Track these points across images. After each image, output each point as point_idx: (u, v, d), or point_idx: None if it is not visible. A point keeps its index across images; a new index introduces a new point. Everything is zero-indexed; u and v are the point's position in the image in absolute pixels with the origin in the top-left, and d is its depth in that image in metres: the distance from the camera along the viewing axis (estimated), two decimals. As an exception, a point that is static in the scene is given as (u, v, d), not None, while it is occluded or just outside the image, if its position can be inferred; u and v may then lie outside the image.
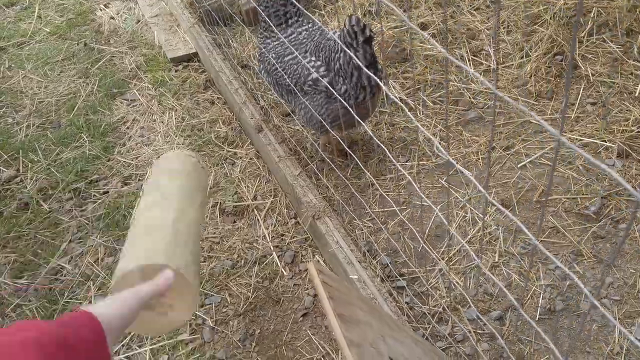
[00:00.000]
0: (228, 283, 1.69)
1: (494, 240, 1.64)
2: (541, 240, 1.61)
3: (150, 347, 1.55)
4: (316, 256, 1.73)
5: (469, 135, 1.99)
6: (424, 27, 2.47)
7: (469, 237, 1.66)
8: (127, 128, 2.44)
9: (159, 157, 1.22)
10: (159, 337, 1.57)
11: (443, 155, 1.90)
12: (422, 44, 2.37)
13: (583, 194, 1.71)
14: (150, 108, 2.51)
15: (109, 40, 3.05)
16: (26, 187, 2.18)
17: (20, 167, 2.28)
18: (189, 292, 0.91)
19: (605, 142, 1.84)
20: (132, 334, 1.60)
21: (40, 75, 2.81)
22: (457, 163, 1.86)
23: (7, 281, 1.84)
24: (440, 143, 1.98)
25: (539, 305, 1.47)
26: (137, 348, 1.57)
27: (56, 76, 2.80)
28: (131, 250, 0.96)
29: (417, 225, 1.74)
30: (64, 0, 3.47)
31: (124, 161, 2.25)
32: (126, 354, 1.56)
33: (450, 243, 1.67)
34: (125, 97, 2.61)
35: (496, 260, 1.59)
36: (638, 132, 1.84)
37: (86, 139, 2.37)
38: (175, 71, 2.73)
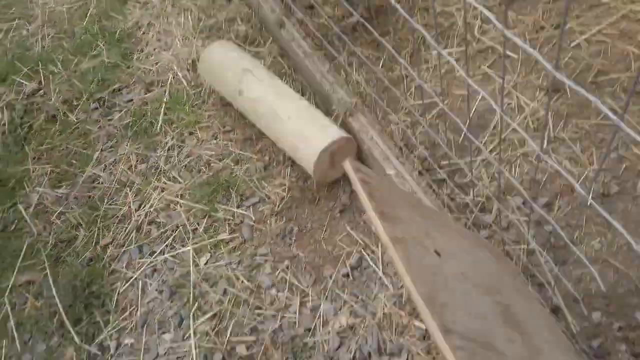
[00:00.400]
0: (262, 184, 1.67)
1: (544, 127, 1.54)
2: (595, 124, 1.51)
3: (193, 246, 1.58)
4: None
5: (514, 15, 1.81)
6: None
7: (516, 122, 1.56)
8: (143, 33, 2.32)
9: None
10: (200, 237, 1.59)
11: (500, 29, 1.75)
12: None
13: (641, 71, 1.56)
14: (164, 10, 2.37)
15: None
16: (51, 100, 2.15)
17: (42, 80, 2.23)
18: None
19: (670, 12, 1.65)
20: (174, 235, 1.63)
21: (48, -17, 2.66)
22: (500, 47, 1.70)
23: (48, 190, 1.86)
24: (480, 26, 1.81)
25: (592, 189, 1.40)
26: (181, 247, 1.60)
27: (65, -18, 2.65)
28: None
29: (457, 117, 1.65)
30: None
31: (144, 68, 2.16)
32: (170, 253, 1.59)
33: (494, 132, 1.58)
34: (137, 0, 2.46)
35: (545, 146, 1.50)
36: None
37: (103, 47, 2.28)
38: (188, -35, 2.54)
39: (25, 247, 1.74)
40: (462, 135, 1.59)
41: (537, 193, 1.43)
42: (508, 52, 1.71)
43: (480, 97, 1.66)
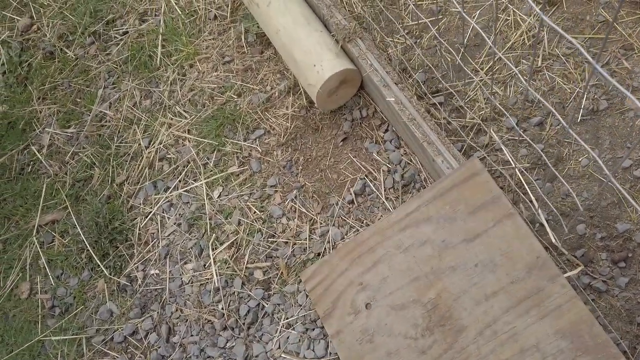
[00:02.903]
0: (266, 115, 1.72)
1: (538, 44, 1.55)
2: (589, 37, 1.51)
3: (205, 181, 1.68)
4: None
5: None
6: None
7: (510, 42, 1.56)
8: (129, -44, 2.22)
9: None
10: (211, 171, 1.68)
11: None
12: None
13: (643, -21, 1.52)
14: None
15: None
16: (46, 36, 2.12)
17: (34, 14, 2.19)
18: None
19: None
20: (186, 170, 1.72)
21: None
22: (499, -43, 1.65)
23: (58, 131, 1.93)
24: None
25: (582, 106, 1.45)
26: (194, 182, 1.69)
27: None
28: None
29: (454, 36, 1.64)
30: None
31: (135, -4, 2.11)
32: (184, 188, 1.69)
33: (491, 51, 1.59)
34: None
35: (539, 64, 1.52)
36: None
37: (90, -26, 2.20)
38: None
39: (44, 188, 1.84)
40: (460, 54, 1.60)
41: (530, 113, 1.48)
42: (507, -37, 1.66)
43: (477, 14, 1.64)
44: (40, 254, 1.73)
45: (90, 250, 1.66)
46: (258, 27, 1.79)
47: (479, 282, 1.21)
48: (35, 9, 2.20)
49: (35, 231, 1.77)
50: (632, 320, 1.32)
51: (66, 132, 1.92)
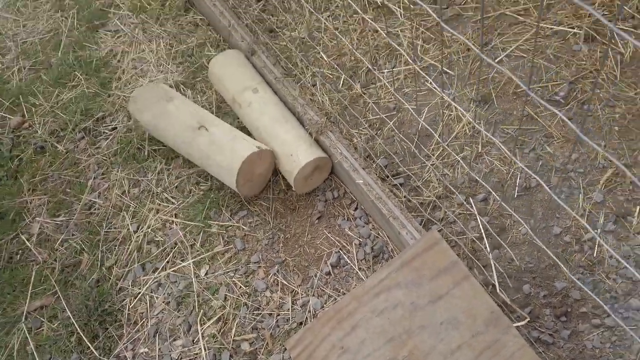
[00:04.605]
0: (249, 198, 1.92)
1: (477, 133, 1.86)
2: (518, 128, 1.83)
3: (193, 260, 1.82)
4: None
5: (449, 34, 2.11)
6: None
7: (455, 133, 1.87)
8: (118, 61, 2.49)
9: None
10: (198, 251, 1.83)
11: (425, 59, 2.05)
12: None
13: (553, 81, 1.89)
14: (136, 37, 2.54)
15: (73, -33, 2.94)
16: (37, 132, 2.30)
17: (25, 113, 2.38)
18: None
19: (574, 28, 1.98)
20: (173, 251, 1.86)
21: (14, 13, 2.77)
22: (440, 64, 2.00)
23: (47, 220, 2.05)
24: (422, 46, 2.10)
25: (517, 184, 1.73)
26: (181, 262, 1.83)
27: (31, 12, 2.76)
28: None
29: (409, 128, 1.94)
30: None
31: (124, 96, 2.34)
32: (172, 268, 1.83)
33: (440, 140, 1.89)
34: (108, 29, 2.61)
35: (480, 150, 1.82)
36: (603, 14, 1.98)
37: (81, 77, 2.44)
38: (152, -6, 2.70)
39: (33, 274, 1.93)
40: (414, 143, 1.89)
41: (475, 190, 1.75)
42: (446, 70, 2.01)
43: (426, 110, 1.96)
44: (29, 339, 1.78)
45: (80, 333, 1.73)
46: (239, 122, 2.04)
47: (445, 338, 1.39)
48: (27, 108, 2.39)
49: (23, 317, 1.83)
50: (578, 368, 1.52)
51: (55, 221, 2.05)
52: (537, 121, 1.84)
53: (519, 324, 1.35)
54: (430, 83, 1.99)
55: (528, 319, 1.44)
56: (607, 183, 1.68)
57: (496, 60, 1.99)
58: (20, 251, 2.00)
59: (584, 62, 1.91)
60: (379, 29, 2.08)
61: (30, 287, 1.88)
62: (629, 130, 1.76)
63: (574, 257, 1.62)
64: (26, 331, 1.80)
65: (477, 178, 1.72)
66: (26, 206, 2.11)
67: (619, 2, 1.99)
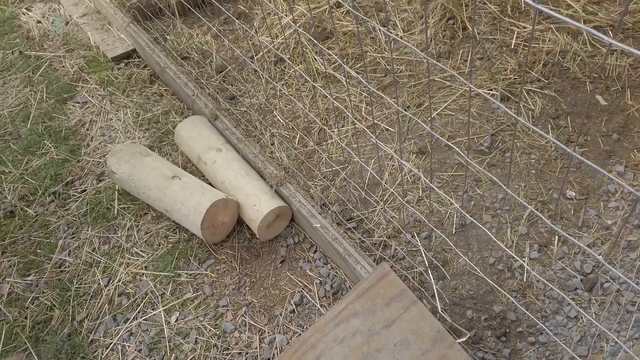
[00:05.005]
0: (215, 248, 2.07)
1: (417, 180, 2.12)
2: (451, 174, 2.11)
3: (163, 308, 1.92)
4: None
5: (389, 97, 2.44)
6: (339, 5, 2.83)
7: (398, 180, 2.13)
8: (87, 130, 2.66)
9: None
10: (168, 299, 1.94)
11: (369, 119, 2.34)
12: (339, 21, 2.75)
13: (478, 134, 2.21)
14: (104, 108, 2.73)
15: (42, 46, 3.16)
16: (6, 197, 2.39)
17: (-6, 180, 2.47)
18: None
19: (491, 90, 2.35)
20: (144, 301, 1.96)
21: (-17, 89, 2.91)
22: (381, 123, 2.29)
23: (18, 280, 2.11)
24: (366, 107, 2.41)
25: (454, 223, 1.98)
26: (152, 311, 1.93)
27: (0, 87, 2.92)
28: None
29: (358, 178, 2.19)
30: (-18, 7, 3.46)
31: (92, 160, 2.50)
32: (143, 317, 1.92)
33: (386, 187, 2.14)
34: (76, 101, 2.80)
35: (420, 194, 2.08)
36: (514, 79, 2.36)
37: (50, 145, 2.58)
38: (118, 69, 2.94)
39: (3, 333, 1.96)
40: (364, 191, 2.13)
41: (419, 230, 1.99)
42: (387, 127, 2.31)
43: (372, 162, 2.22)
44: (-1, 396, 1.79)
45: (53, 386, 1.77)
46: (205, 179, 2.23)
47: (399, 358, 1.55)
48: (-4, 175, 2.49)
49: (-8, 376, 1.85)
50: (520, 382, 1.70)
51: (26, 280, 2.11)
52: (467, 168, 2.13)
53: (461, 340, 1.54)
54: (374, 139, 2.27)
55: (468, 335, 1.63)
56: (529, 217, 1.96)
57: (429, 118, 2.31)
58: (-12, 312, 2.04)
59: (502, 118, 2.26)
60: (327, 95, 2.37)
61: (1, 345, 1.91)
62: (543, 173, 2.07)
63: (507, 283, 1.85)
64: (-4, 389, 1.81)
65: (421, 218, 1.96)
66: (-5, 268, 2.16)
67: (527, 68, 2.39)
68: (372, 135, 2.19)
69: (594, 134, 2.16)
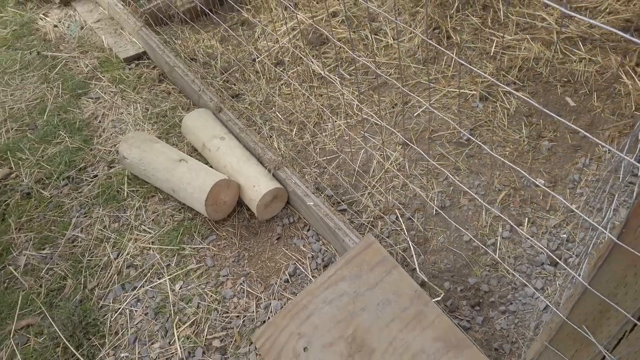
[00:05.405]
0: (217, 224, 2.26)
1: (403, 168, 2.34)
2: (433, 164, 2.33)
3: (168, 277, 2.11)
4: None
5: (379, 97, 2.67)
6: (335, 14, 3.08)
7: (385, 167, 2.34)
8: (99, 122, 2.87)
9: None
10: (173, 269, 2.13)
11: (361, 113, 2.56)
12: (335, 29, 2.99)
13: (457, 130, 2.44)
14: (115, 103, 2.95)
15: (58, 47, 3.39)
16: (23, 180, 2.58)
17: (12, 165, 2.67)
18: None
19: (472, 91, 2.58)
20: (151, 272, 2.14)
21: (2, 85, 3.13)
22: (371, 118, 2.51)
23: (33, 253, 2.28)
24: (357, 105, 2.63)
25: (434, 206, 2.19)
26: (158, 280, 2.11)
27: (19, 84, 3.13)
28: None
29: (349, 166, 2.40)
30: (2, 13, 3.70)
31: (104, 149, 2.70)
32: (150, 285, 2.10)
33: (374, 174, 2.35)
34: (90, 96, 3.02)
35: (405, 181, 2.29)
36: (491, 82, 2.60)
37: (65, 135, 2.78)
38: (129, 69, 3.16)
39: (20, 299, 2.13)
40: (354, 178, 2.33)
41: (403, 212, 2.19)
42: (377, 121, 2.53)
43: (363, 151, 2.43)
44: (16, 352, 1.95)
45: (66, 342, 1.94)
46: (209, 165, 2.43)
47: (381, 316, 1.74)
48: (14, 161, 2.68)
49: (11, 335, 2.01)
50: (490, 346, 1.88)
51: (41, 253, 2.29)
52: (448, 158, 2.35)
53: (436, 298, 1.73)
54: (365, 131, 2.49)
55: (443, 294, 1.82)
56: (502, 201, 2.17)
57: (415, 115, 2.54)
58: (7, 280, 2.21)
59: (480, 115, 2.49)
60: (323, 93, 2.60)
61: (17, 310, 2.08)
62: (516, 164, 2.29)
63: (481, 258, 2.04)
64: (14, 345, 1.97)
65: (404, 202, 2.17)
66: (13, 242, 2.34)
67: (504, 71, 2.63)
68: (361, 129, 2.42)
69: (563, 130, 2.39)
